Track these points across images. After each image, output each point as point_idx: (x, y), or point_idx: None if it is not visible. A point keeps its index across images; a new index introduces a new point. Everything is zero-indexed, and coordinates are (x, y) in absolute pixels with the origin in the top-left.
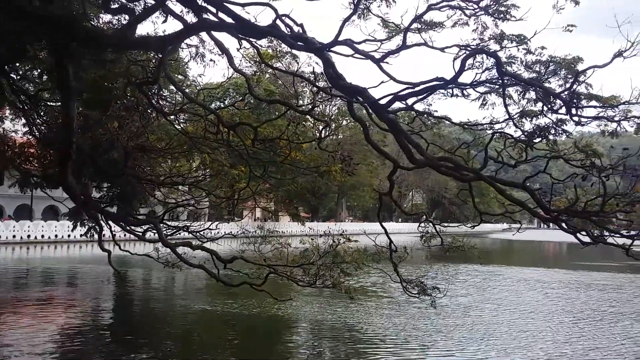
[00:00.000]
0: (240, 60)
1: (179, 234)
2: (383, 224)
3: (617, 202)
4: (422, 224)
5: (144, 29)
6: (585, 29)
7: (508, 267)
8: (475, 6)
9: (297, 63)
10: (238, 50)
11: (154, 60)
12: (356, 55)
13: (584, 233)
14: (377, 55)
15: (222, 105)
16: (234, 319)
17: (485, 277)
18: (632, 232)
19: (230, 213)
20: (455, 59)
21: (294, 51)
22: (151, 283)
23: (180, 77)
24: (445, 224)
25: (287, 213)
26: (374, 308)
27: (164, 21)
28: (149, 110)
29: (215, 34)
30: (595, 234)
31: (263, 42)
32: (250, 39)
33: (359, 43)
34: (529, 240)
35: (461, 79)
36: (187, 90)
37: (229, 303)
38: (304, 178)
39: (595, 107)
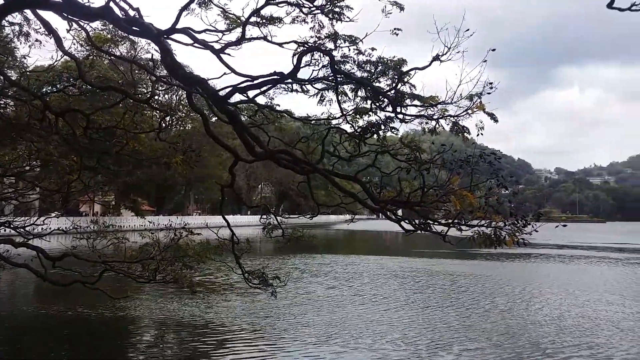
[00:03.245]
0: (72, 43)
1: (2, 230)
2: (233, 216)
3: (436, 193)
4: (265, 216)
5: None
6: (417, 34)
7: (358, 256)
8: (311, 5)
9: (136, 49)
10: (68, 31)
11: None
12: (196, 44)
13: (408, 221)
14: (218, 46)
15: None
16: (70, 321)
17: (336, 266)
18: (449, 220)
19: (62, 207)
20: (294, 55)
21: (132, 37)
22: None
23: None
24: (287, 216)
25: (125, 206)
26: (217, 301)
27: None
28: None
29: (41, 12)
30: (418, 223)
31: (98, 24)
32: (80, 21)
33: (199, 32)
34: (371, 230)
35: (301, 75)
36: (11, 73)
37: (62, 304)
38: (143, 170)
39: (417, 106)
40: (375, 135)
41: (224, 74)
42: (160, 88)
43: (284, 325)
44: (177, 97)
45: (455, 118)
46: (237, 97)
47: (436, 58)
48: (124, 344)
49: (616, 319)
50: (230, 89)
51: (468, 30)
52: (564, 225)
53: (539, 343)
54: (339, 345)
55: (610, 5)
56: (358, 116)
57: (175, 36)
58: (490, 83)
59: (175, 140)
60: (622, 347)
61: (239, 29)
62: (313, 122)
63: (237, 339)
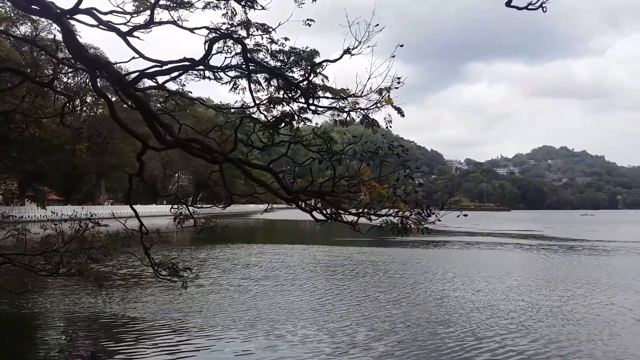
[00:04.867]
0: None
1: None
2: (147, 206)
3: (347, 184)
4: (176, 206)
5: None
6: (335, 26)
7: (282, 245)
8: None
9: (37, 30)
10: None
11: None
12: (101, 26)
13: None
14: (126, 29)
15: None
16: None
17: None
18: (359, 210)
19: None
20: (206, 41)
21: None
22: None
23: None
24: (199, 205)
25: (27, 196)
26: (133, 294)
27: None
28: None
29: None
30: (329, 212)
31: None
32: None
33: (105, 14)
34: (290, 219)
35: (214, 63)
36: None
37: None
38: (47, 157)
39: (329, 98)
40: (289, 126)
41: (133, 58)
42: (67, 71)
43: (208, 318)
44: (85, 81)
45: (365, 111)
46: (148, 83)
47: (347, 51)
48: (28, 341)
49: (539, 301)
50: (137, 73)
51: (378, 25)
52: (465, 215)
53: (475, 329)
54: (264, 336)
55: (508, 4)
56: (272, 106)
57: (79, 17)
58: (398, 78)
59: (80, 126)
60: (551, 329)
61: (148, 12)
62: (226, 110)
63: (156, 333)
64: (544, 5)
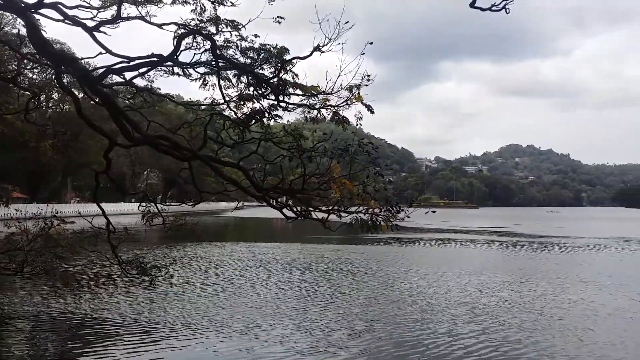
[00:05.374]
0: None
1: None
2: (116, 204)
3: (318, 181)
4: (144, 204)
5: None
6: (307, 24)
7: (250, 243)
8: None
9: (0, 24)
10: None
11: None
12: (67, 21)
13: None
14: (92, 24)
15: None
16: None
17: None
18: (329, 207)
19: None
20: (174, 37)
21: None
22: None
23: None
24: (168, 203)
25: None
26: (95, 292)
27: None
28: None
29: None
30: (300, 210)
31: None
32: None
33: (71, 8)
34: (262, 217)
35: (184, 59)
36: None
37: None
38: (10, 154)
39: (299, 95)
40: (259, 123)
41: (99, 53)
42: (31, 66)
43: (181, 318)
44: (50, 77)
45: (336, 108)
46: (116, 79)
47: (317, 48)
48: None
49: (512, 296)
50: (104, 69)
51: (347, 22)
52: (434, 212)
53: (450, 326)
54: (239, 336)
55: (472, 5)
56: (242, 103)
57: (44, 11)
58: (368, 75)
59: (45, 123)
60: (525, 325)
61: (115, 7)
62: (195, 107)
63: (127, 334)
64: (507, 7)
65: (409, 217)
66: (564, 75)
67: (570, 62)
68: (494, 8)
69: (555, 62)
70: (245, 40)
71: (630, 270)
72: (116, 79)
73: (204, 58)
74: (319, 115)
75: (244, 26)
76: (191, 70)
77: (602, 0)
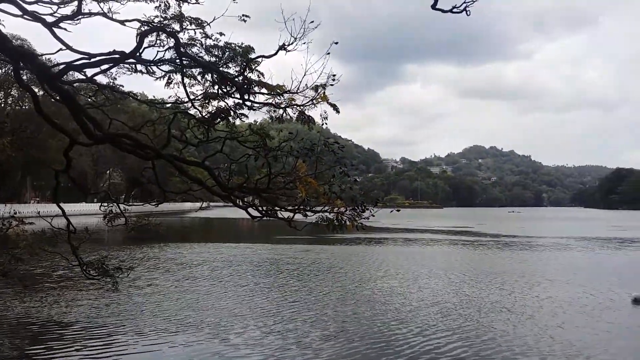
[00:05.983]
0: None
1: None
2: (78, 204)
3: (283, 180)
4: (105, 204)
5: None
6: (274, 23)
7: (218, 244)
8: None
9: None
10: None
11: None
12: (26, 16)
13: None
14: (52, 20)
15: None
16: None
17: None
18: (295, 207)
19: None
20: (137, 34)
21: None
22: None
23: None
24: (130, 203)
25: None
26: (58, 295)
27: None
28: None
29: None
30: (265, 209)
31: None
32: None
33: (31, 3)
34: (228, 217)
35: (148, 56)
36: None
37: None
38: None
39: (265, 94)
40: (224, 122)
41: (60, 49)
42: None
43: (148, 321)
44: (9, 73)
45: (302, 107)
46: (77, 76)
47: (282, 47)
48: None
49: (482, 295)
50: (63, 66)
51: (313, 22)
52: (398, 210)
53: (422, 325)
54: (209, 340)
55: (434, 7)
56: (207, 101)
57: (3, 6)
58: (334, 75)
59: (4, 120)
60: (497, 323)
61: (76, 2)
62: (159, 105)
63: (91, 338)
64: (467, 9)
65: (374, 216)
66: (525, 78)
67: (531, 66)
68: (455, 10)
69: (517, 65)
70: (210, 38)
71: (593, 268)
72: (77, 76)
73: (167, 56)
74: (284, 114)
75: (208, 24)
76: (155, 68)
77: (562, 6)
